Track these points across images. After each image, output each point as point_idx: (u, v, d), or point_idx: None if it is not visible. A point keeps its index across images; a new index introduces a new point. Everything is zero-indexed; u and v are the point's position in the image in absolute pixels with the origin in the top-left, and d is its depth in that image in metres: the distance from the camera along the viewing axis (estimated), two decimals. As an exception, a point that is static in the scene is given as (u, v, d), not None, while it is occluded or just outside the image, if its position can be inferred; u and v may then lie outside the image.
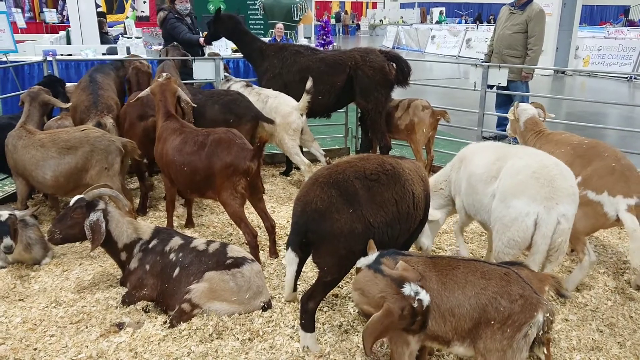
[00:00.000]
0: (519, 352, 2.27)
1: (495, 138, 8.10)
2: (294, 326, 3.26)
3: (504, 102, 7.90)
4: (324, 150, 6.30)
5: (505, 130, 5.17)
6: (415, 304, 2.29)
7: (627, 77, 16.06)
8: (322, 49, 6.46)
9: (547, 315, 2.26)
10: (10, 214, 3.85)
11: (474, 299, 2.29)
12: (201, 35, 7.45)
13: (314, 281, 3.13)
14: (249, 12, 16.31)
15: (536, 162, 3.24)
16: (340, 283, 3.84)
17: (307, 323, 3.02)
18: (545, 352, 2.46)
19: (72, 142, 4.43)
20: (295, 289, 3.34)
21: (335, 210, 2.84)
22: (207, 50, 7.97)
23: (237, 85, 6.13)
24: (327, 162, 5.89)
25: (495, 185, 3.38)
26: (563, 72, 17.29)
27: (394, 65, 5.91)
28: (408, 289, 2.32)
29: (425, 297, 2.31)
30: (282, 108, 5.67)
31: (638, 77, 15.81)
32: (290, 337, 3.17)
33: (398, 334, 2.43)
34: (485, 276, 2.34)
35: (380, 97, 5.79)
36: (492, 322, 2.26)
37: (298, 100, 5.68)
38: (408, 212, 3.09)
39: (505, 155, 3.47)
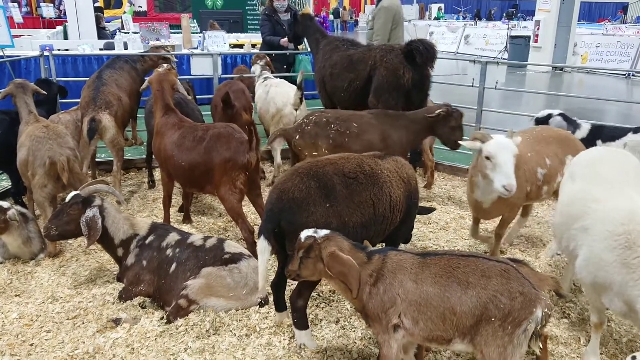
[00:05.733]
0: (519, 347, 2.29)
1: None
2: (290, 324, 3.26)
3: None
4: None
5: None
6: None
7: (625, 74, 16.07)
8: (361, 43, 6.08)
9: (546, 310, 2.28)
10: None
11: (475, 298, 2.30)
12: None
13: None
14: (247, 8, 16.30)
15: None
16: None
17: (300, 321, 3.02)
18: (542, 346, 2.47)
19: None
20: (283, 301, 3.27)
21: (312, 203, 2.82)
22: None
23: (260, 79, 6.33)
24: None
25: None
26: (561, 69, 17.27)
27: (417, 50, 5.14)
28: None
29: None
30: (277, 99, 5.76)
31: (636, 74, 15.80)
32: (288, 333, 3.17)
33: (383, 331, 2.46)
34: (486, 274, 2.34)
35: (390, 100, 5.30)
36: (493, 319, 2.27)
37: (330, 96, 5.76)
38: (384, 215, 3.08)
39: None
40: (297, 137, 4.54)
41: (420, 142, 4.79)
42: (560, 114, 5.08)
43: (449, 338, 2.40)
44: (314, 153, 4.47)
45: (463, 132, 4.62)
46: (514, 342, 2.26)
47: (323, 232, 2.55)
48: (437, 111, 4.49)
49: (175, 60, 6.47)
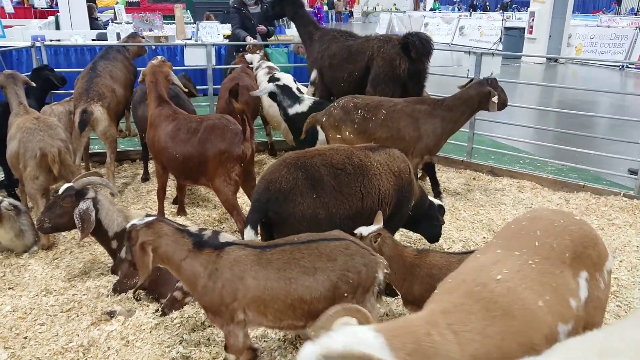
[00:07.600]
0: (372, 308, 2.48)
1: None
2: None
3: None
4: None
5: None
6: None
7: (619, 66, 16.08)
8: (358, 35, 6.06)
9: (386, 270, 2.51)
10: None
11: (327, 282, 2.39)
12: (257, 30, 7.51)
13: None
14: (240, -2, 16.13)
15: None
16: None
17: None
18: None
19: None
20: None
21: (299, 193, 2.84)
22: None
23: (261, 71, 6.30)
24: None
25: None
26: (555, 60, 17.28)
27: (413, 45, 5.14)
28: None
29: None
30: None
31: (630, 66, 15.83)
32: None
33: (227, 323, 2.47)
34: (331, 257, 2.43)
35: (386, 91, 5.27)
36: (346, 295, 2.40)
37: (329, 87, 5.72)
38: (372, 208, 3.08)
39: None
40: (323, 120, 4.61)
41: (461, 127, 4.77)
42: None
43: (303, 324, 2.49)
44: (337, 136, 4.53)
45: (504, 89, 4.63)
46: (367, 306, 2.42)
47: (148, 219, 2.55)
48: (493, 100, 4.41)
49: (153, 48, 6.54)
